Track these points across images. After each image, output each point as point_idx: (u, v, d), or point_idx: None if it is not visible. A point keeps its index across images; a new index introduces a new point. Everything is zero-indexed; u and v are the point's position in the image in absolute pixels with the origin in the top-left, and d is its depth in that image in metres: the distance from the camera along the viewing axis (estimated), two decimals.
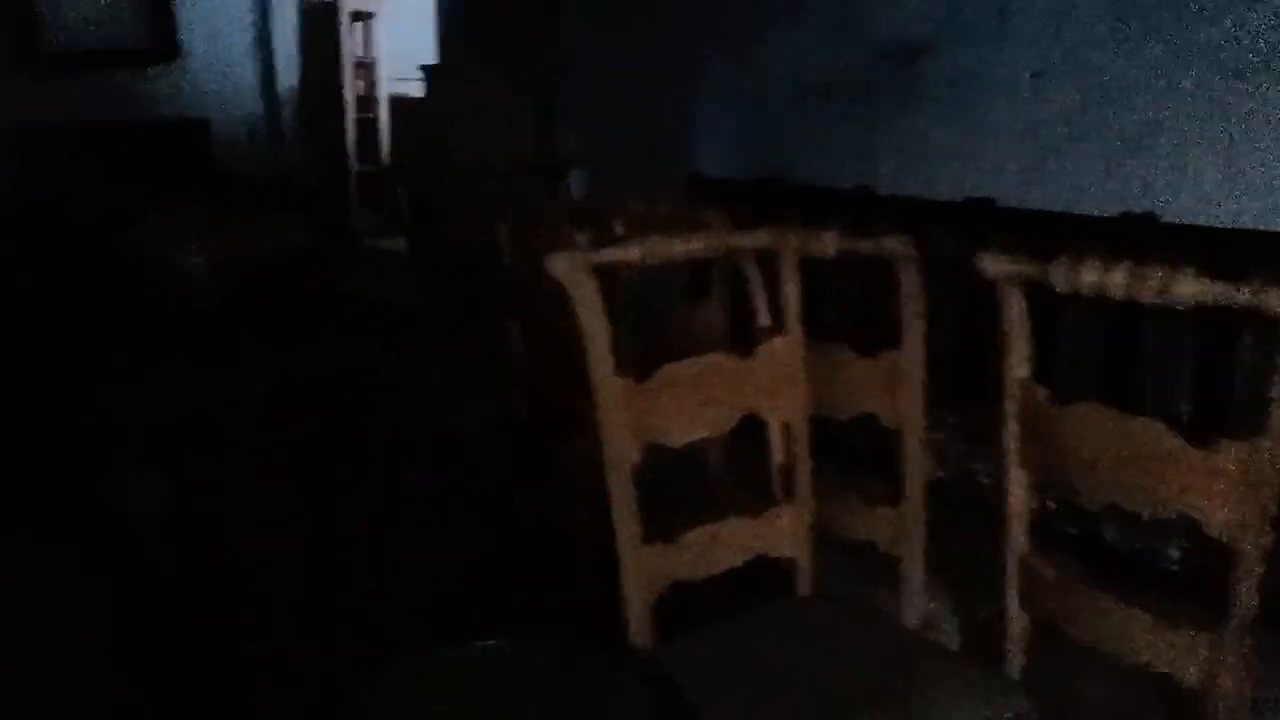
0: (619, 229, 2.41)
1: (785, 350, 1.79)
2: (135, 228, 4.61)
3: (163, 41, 7.62)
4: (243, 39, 7.97)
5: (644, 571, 1.67)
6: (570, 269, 1.58)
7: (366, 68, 7.64)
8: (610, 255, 1.64)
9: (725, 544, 1.78)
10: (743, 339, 2.02)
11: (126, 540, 3.01)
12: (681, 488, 2.00)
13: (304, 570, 2.73)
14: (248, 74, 8.01)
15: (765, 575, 1.89)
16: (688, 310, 2.37)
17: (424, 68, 6.02)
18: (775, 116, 3.61)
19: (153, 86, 7.65)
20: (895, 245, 1.72)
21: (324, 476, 2.97)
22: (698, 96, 3.91)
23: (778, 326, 1.81)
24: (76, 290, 4.71)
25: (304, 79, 7.85)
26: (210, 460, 2.92)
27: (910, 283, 1.74)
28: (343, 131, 7.29)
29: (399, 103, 8.04)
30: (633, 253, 1.65)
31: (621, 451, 1.63)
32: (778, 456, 1.88)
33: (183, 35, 7.71)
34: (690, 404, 1.72)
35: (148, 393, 3.34)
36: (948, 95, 3.03)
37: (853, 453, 2.17)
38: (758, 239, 1.78)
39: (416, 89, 8.56)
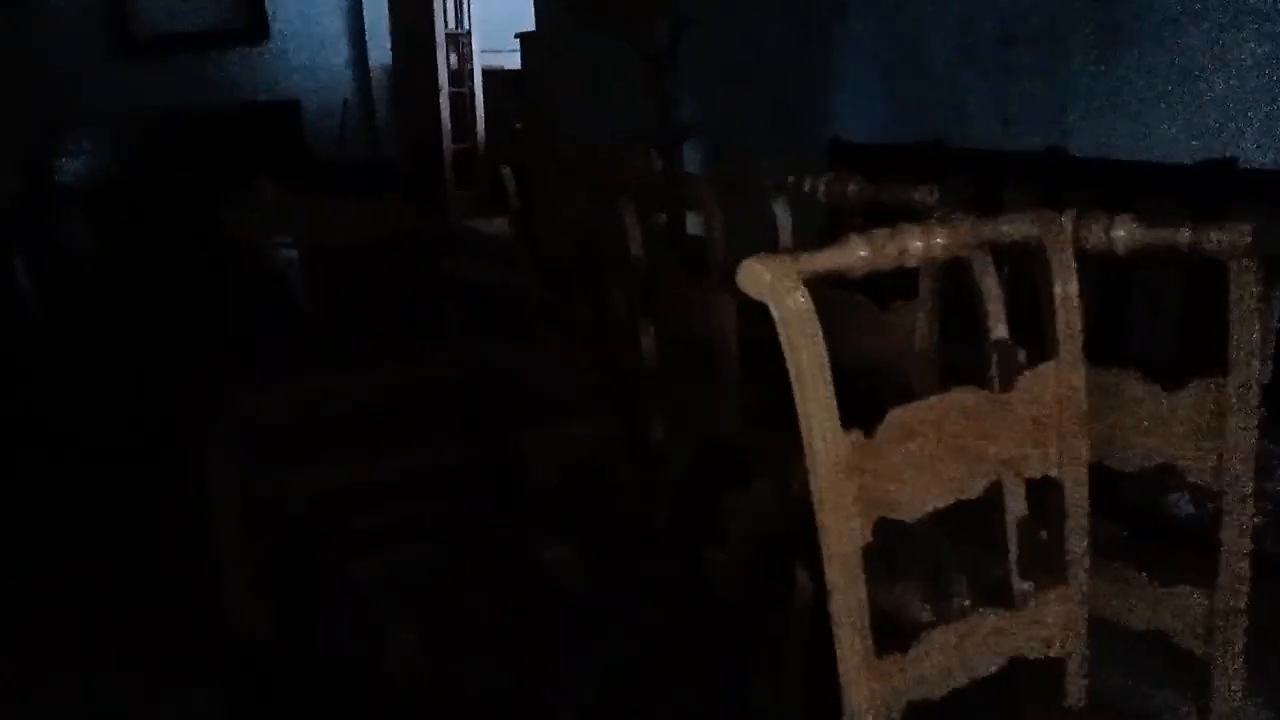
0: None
1: (1060, 382, 1.28)
2: (230, 214, 4.24)
3: (253, 22, 7.32)
4: (333, 17, 7.62)
5: (877, 695, 1.19)
6: (779, 282, 1.09)
7: (458, 40, 7.22)
8: (829, 261, 1.15)
9: (976, 647, 1.29)
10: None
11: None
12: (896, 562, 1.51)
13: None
14: (339, 53, 7.68)
15: (1009, 675, 1.39)
16: (877, 319, 1.86)
17: (521, 36, 5.55)
18: (937, 71, 3.05)
19: (243, 68, 7.35)
20: (1227, 235, 1.20)
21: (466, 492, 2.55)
22: (839, 54, 3.37)
23: (1008, 343, 1.30)
24: (172, 280, 4.39)
25: (395, 55, 7.47)
26: (343, 472, 2.51)
27: (1246, 286, 1.22)
28: (436, 108, 6.88)
29: (491, 76, 7.62)
30: (858, 254, 1.16)
31: (847, 533, 1.15)
32: (1023, 518, 1.37)
33: (273, 15, 7.40)
34: (931, 461, 1.23)
35: (264, 392, 2.95)
36: (1167, 34, 2.46)
37: (1128, 508, 1.66)
38: (1021, 227, 1.26)
39: (509, 60, 8.16)
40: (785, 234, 2.05)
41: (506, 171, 3.11)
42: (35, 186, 4.77)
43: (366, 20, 7.63)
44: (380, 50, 7.68)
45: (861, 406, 1.20)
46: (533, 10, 8.51)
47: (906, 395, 1.27)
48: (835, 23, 3.34)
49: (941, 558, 1.59)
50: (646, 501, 2.27)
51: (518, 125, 7.43)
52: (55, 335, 3.48)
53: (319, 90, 7.59)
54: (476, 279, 4.87)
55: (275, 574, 2.28)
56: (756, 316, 1.14)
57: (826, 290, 1.23)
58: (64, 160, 5.56)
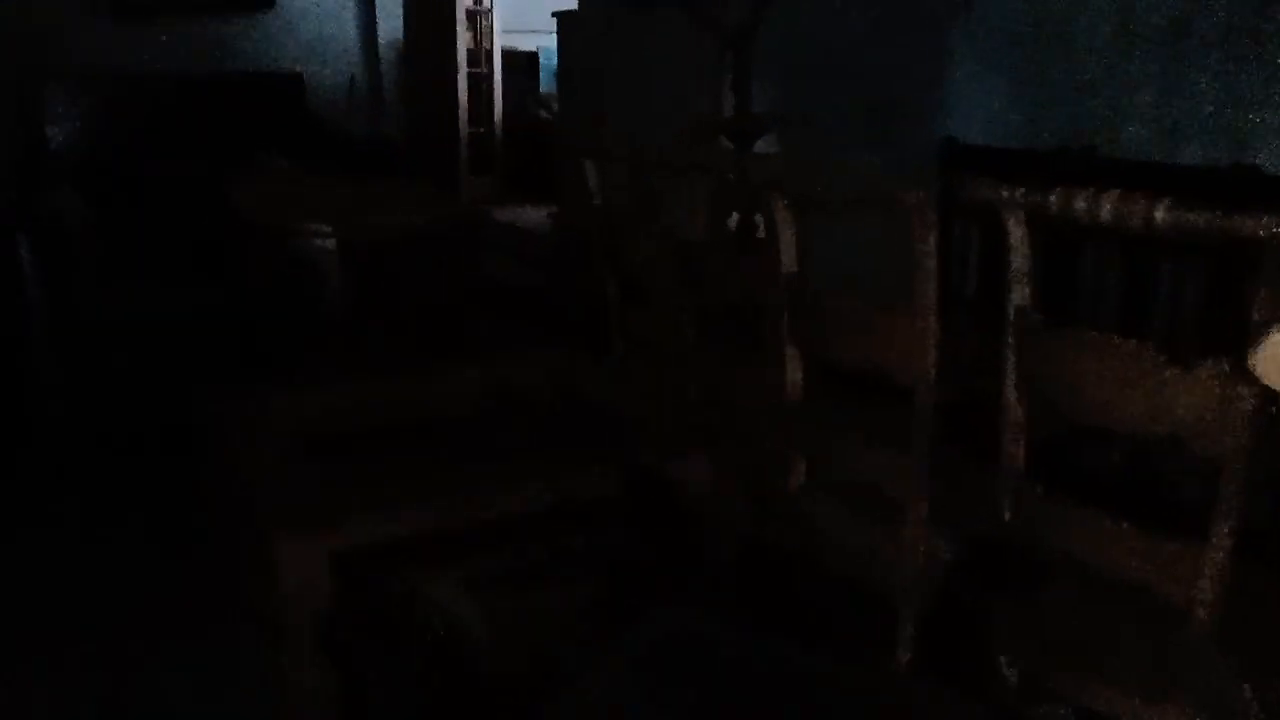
0: None
1: None
2: (241, 192, 3.79)
3: None
4: None
5: None
6: None
7: (476, 18, 6.76)
8: None
9: None
10: None
11: None
12: None
13: None
14: (347, 25, 7.19)
15: None
16: None
17: (558, 15, 5.12)
18: (1085, 65, 2.67)
19: (244, 36, 6.85)
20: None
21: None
22: (958, 38, 2.98)
23: None
24: (178, 264, 3.92)
25: (408, 30, 7.00)
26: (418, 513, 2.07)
27: None
28: (452, 89, 6.42)
29: (506, 57, 7.17)
30: None
31: None
32: None
33: None
34: None
35: (301, 400, 2.52)
36: None
37: None
38: None
39: (522, 41, 7.70)
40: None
41: (589, 165, 2.69)
42: (25, 151, 4.27)
43: None
44: (390, 25, 7.21)
45: None
46: None
47: None
48: (956, 4, 2.95)
49: None
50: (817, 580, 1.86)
51: (542, 112, 6.98)
52: (57, 320, 3.02)
53: (324, 63, 7.10)
54: (509, 275, 4.44)
55: (343, 633, 1.86)
56: None
57: None
58: (52, 126, 5.05)
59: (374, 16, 7.23)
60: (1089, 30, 2.63)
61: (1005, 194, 1.52)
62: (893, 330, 1.72)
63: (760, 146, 3.50)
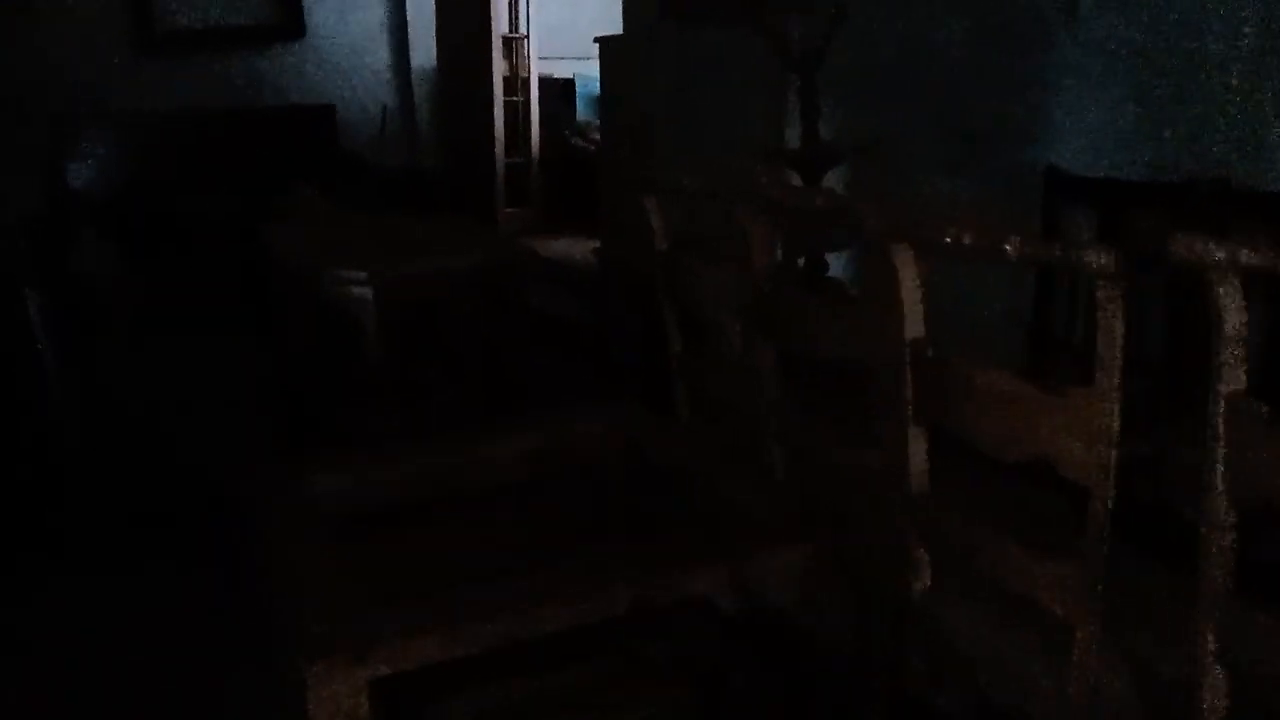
0: None
1: None
2: (277, 234, 3.52)
3: (287, 19, 6.60)
4: (373, 15, 6.91)
5: None
6: None
7: (512, 44, 6.51)
8: None
9: None
10: None
11: None
12: None
13: None
14: (379, 54, 6.97)
15: None
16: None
17: (601, 40, 4.84)
18: (1216, 87, 2.34)
19: (275, 68, 6.64)
20: None
21: None
22: (1062, 58, 2.66)
23: None
24: (211, 314, 3.65)
25: (441, 58, 6.75)
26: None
27: None
28: (488, 118, 6.16)
29: (542, 85, 6.91)
30: None
31: None
32: None
33: (309, 12, 6.68)
34: None
35: (341, 477, 2.23)
36: None
37: None
38: None
39: (557, 68, 7.43)
40: None
41: (652, 202, 2.38)
42: (48, 199, 4.02)
43: (410, 19, 6.92)
44: (423, 53, 6.97)
45: None
46: (586, 14, 7.89)
47: None
48: (1058, 20, 2.63)
49: None
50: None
51: (579, 141, 6.71)
52: (73, 389, 2.74)
53: (356, 93, 6.88)
54: (554, 311, 4.14)
55: None
56: None
57: None
58: (78, 166, 4.81)
59: (406, 45, 7.00)
60: (1224, 43, 2.30)
61: (1219, 254, 1.19)
62: (1059, 412, 1.39)
63: (830, 178, 3.18)
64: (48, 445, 2.77)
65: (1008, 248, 1.36)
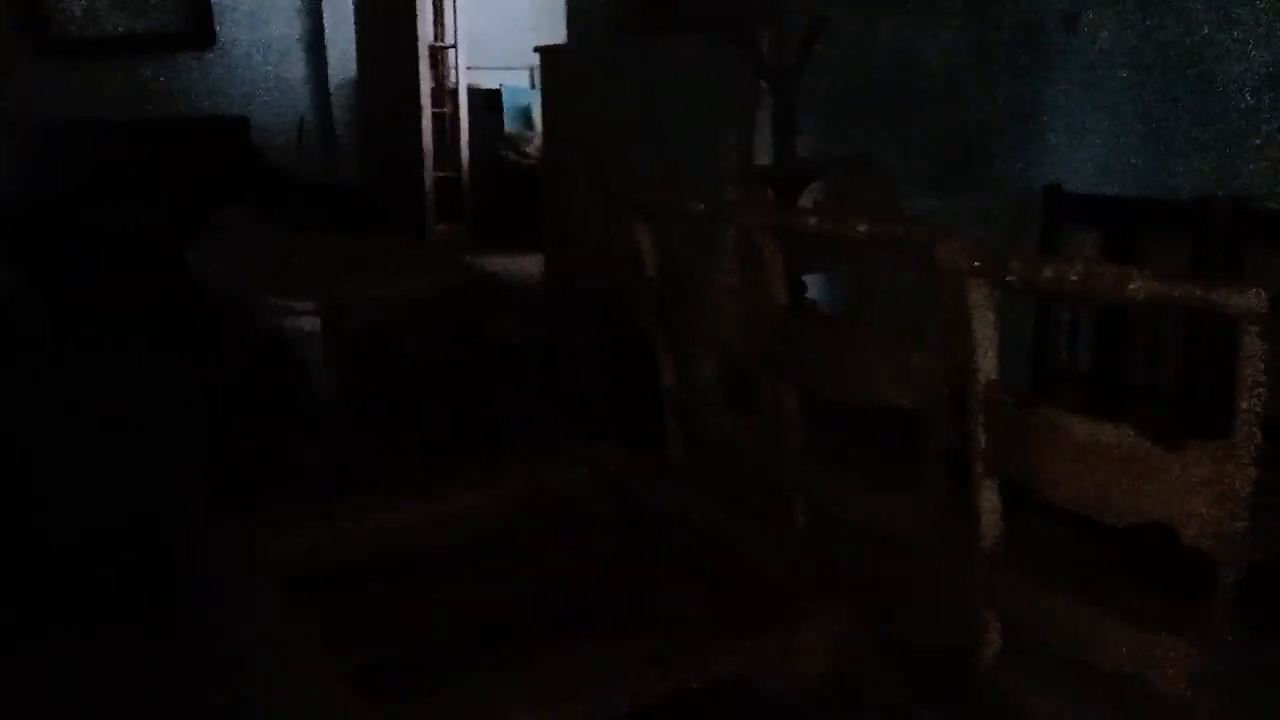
0: None
1: None
2: (204, 257, 3.19)
3: (196, 26, 6.19)
4: (289, 23, 6.54)
5: None
6: None
7: (438, 55, 6.21)
8: None
9: None
10: None
11: None
12: None
13: None
14: (294, 62, 6.59)
15: None
16: None
17: (542, 50, 4.60)
18: (1234, 99, 2.22)
19: (184, 78, 6.22)
20: None
21: None
22: (1060, 70, 2.52)
23: None
24: (131, 344, 3.28)
25: (363, 68, 6.41)
26: None
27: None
28: (416, 130, 5.85)
29: (470, 96, 6.63)
30: None
31: None
32: None
33: (219, 19, 6.29)
34: None
35: (293, 534, 1.96)
36: None
37: None
38: None
39: (484, 79, 7.15)
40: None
41: (642, 228, 2.15)
42: None
43: (327, 28, 6.57)
44: (342, 63, 6.62)
45: None
46: (510, 24, 7.62)
47: None
48: (1057, 31, 2.49)
49: None
50: None
51: (510, 154, 6.45)
52: None
53: (271, 105, 6.50)
54: (506, 333, 3.87)
55: None
56: None
57: None
58: None
59: (324, 54, 6.64)
60: (1237, 52, 2.18)
61: None
62: (1174, 471, 1.21)
63: (806, 197, 3.00)
64: None
65: (1133, 286, 1.17)
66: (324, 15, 6.57)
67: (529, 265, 5.54)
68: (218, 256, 3.37)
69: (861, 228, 1.57)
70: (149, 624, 1.91)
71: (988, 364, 1.41)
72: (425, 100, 5.78)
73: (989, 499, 1.45)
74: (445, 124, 6.18)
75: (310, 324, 2.64)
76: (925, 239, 1.45)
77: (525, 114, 7.28)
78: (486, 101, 7.03)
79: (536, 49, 4.68)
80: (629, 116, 3.81)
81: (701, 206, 1.98)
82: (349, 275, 2.91)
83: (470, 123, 6.47)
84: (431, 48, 5.91)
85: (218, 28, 6.27)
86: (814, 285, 3.05)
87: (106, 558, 2.28)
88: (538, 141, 6.86)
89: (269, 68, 6.52)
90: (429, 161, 5.86)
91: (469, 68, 6.68)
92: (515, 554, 2.19)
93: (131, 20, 6.01)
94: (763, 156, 3.30)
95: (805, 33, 2.87)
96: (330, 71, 6.65)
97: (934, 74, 2.79)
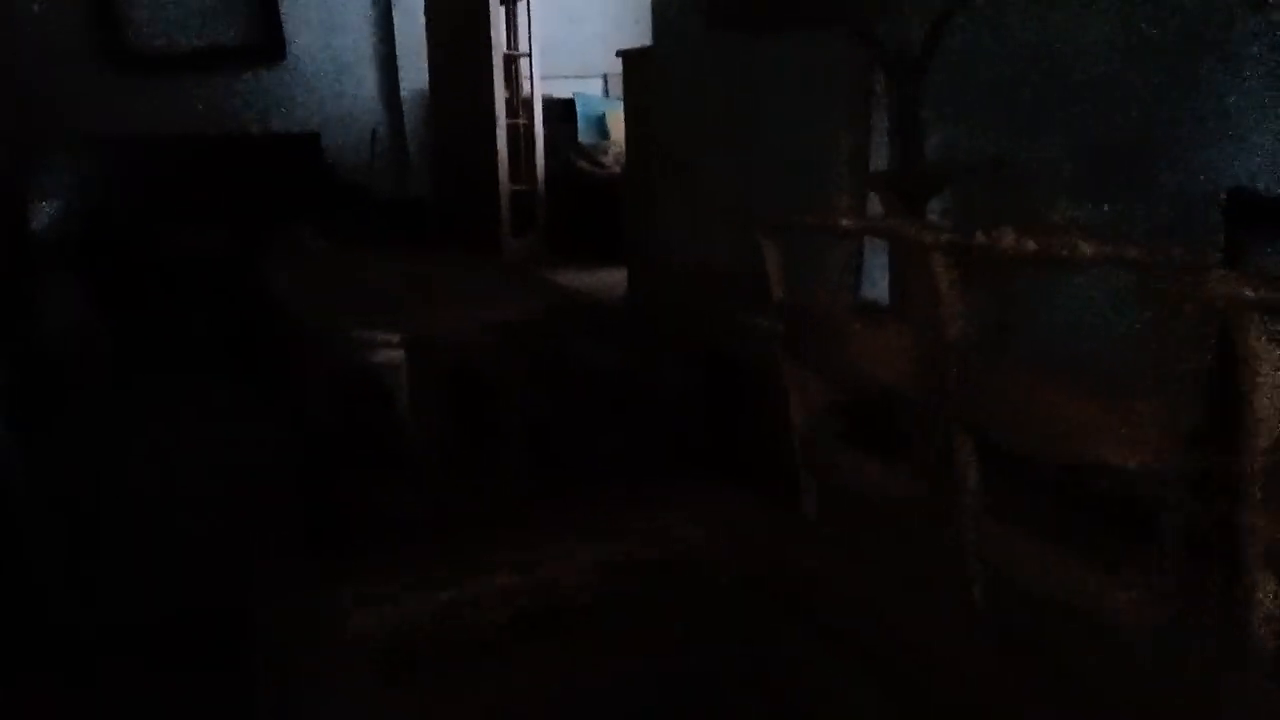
0: None
1: None
2: (283, 282, 2.97)
3: (268, 40, 6.05)
4: (360, 34, 6.38)
5: None
6: None
7: (514, 63, 5.98)
8: None
9: None
10: None
11: None
12: None
13: None
14: (366, 75, 6.42)
15: None
16: None
17: (626, 54, 4.33)
18: None
19: (255, 93, 6.08)
20: None
21: None
22: (1247, 61, 2.18)
23: None
24: (206, 376, 3.07)
25: (435, 79, 6.21)
26: None
27: None
28: (490, 142, 5.62)
29: (546, 105, 6.38)
30: None
31: None
32: None
33: (290, 32, 6.14)
34: None
35: (387, 610, 1.71)
36: None
37: None
38: None
39: (557, 88, 6.91)
40: None
41: (770, 246, 1.86)
42: (6, 239, 3.43)
43: (398, 39, 6.39)
44: (414, 75, 6.44)
45: None
46: (584, 31, 7.38)
47: None
48: (1237, 8, 2.14)
49: None
50: None
51: (585, 165, 6.20)
52: (38, 474, 2.16)
53: (342, 118, 6.33)
54: (586, 356, 3.60)
55: None
56: None
57: None
58: (43, 202, 4.21)
59: (395, 66, 6.47)
60: None
61: None
62: None
63: (932, 206, 2.68)
64: (7, 548, 2.19)
65: None
66: (395, 25, 6.40)
67: (608, 280, 5.27)
68: (293, 280, 3.15)
69: (1087, 249, 1.26)
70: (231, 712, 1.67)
71: (1273, 421, 1.10)
72: (500, 111, 5.54)
73: (1268, 598, 1.13)
74: (519, 135, 5.94)
75: (395, 356, 2.39)
76: (1184, 264, 1.14)
77: (599, 123, 7.03)
78: (560, 111, 6.79)
79: (619, 53, 4.42)
80: (722, 121, 3.52)
81: (847, 222, 1.68)
82: (434, 303, 2.66)
83: (544, 133, 6.23)
84: (505, 56, 5.67)
85: (288, 41, 6.13)
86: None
87: (184, 636, 2.04)
88: (614, 151, 6.61)
89: (340, 81, 6.37)
90: (504, 174, 5.62)
91: (542, 77, 6.44)
92: (629, 623, 1.91)
93: (203, 34, 5.88)
94: (879, 161, 2.99)
95: (934, 21, 2.55)
96: (402, 83, 6.47)
97: (1086, 63, 2.45)
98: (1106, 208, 2.47)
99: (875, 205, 2.98)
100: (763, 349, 2.89)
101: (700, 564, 1.98)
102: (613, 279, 5.33)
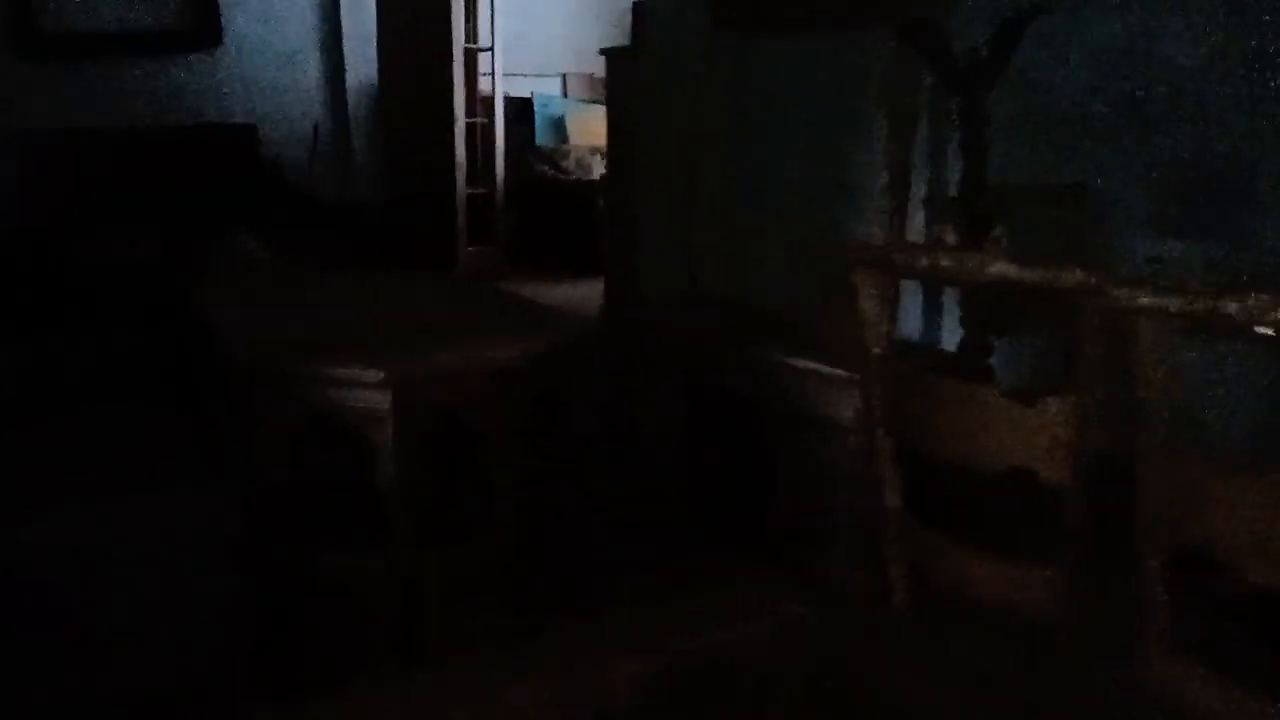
0: None
1: None
2: (220, 307, 2.52)
3: (200, 22, 5.52)
4: (303, 20, 5.87)
5: None
6: None
7: (473, 58, 5.55)
8: None
9: None
10: None
11: None
12: None
13: None
14: (308, 65, 5.92)
15: None
16: None
17: (610, 52, 3.95)
18: None
19: (186, 81, 5.54)
20: None
21: None
22: None
23: None
24: (114, 398, 2.59)
25: (385, 72, 5.75)
26: None
27: None
28: (448, 142, 5.18)
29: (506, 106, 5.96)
30: None
31: None
32: None
33: (226, 16, 5.61)
34: None
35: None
36: None
37: None
38: None
39: (514, 86, 6.48)
40: None
41: (870, 287, 1.50)
42: None
43: (345, 27, 5.91)
44: (361, 67, 5.96)
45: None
46: (543, 28, 6.96)
47: None
48: None
49: None
50: None
51: (547, 169, 5.79)
52: None
53: (281, 112, 5.82)
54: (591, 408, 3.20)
55: None
56: None
57: None
58: None
59: (341, 57, 5.98)
60: None
61: None
62: None
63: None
64: None
65: None
66: (341, 13, 5.92)
67: (572, 296, 4.88)
68: (234, 298, 2.70)
69: None
70: None
71: None
72: (459, 108, 5.11)
73: None
74: (477, 135, 5.51)
75: (378, 400, 1.98)
76: None
77: (558, 125, 6.63)
78: (515, 111, 6.37)
79: (602, 51, 4.02)
80: (732, 131, 3.16)
81: (1001, 266, 1.32)
82: (419, 335, 2.24)
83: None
84: (466, 50, 5.23)
85: (225, 26, 5.61)
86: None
87: None
88: (575, 156, 6.22)
89: (279, 70, 5.86)
90: (461, 177, 5.19)
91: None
92: None
93: (127, 14, 5.33)
94: (919, 184, 2.65)
95: (1007, 20, 2.22)
96: (348, 76, 5.99)
97: (1175, 79, 2.14)
98: (1196, 246, 2.17)
99: (913, 231, 2.65)
100: (785, 391, 2.53)
101: (762, 673, 1.61)
102: (578, 294, 4.94)
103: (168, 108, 5.46)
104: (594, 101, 7.02)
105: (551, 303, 4.63)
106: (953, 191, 2.41)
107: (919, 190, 2.63)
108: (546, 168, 5.90)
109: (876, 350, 1.56)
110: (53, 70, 5.11)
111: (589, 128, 6.55)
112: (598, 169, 6.12)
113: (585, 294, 4.92)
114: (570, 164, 5.99)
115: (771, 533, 2.57)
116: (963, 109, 2.31)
